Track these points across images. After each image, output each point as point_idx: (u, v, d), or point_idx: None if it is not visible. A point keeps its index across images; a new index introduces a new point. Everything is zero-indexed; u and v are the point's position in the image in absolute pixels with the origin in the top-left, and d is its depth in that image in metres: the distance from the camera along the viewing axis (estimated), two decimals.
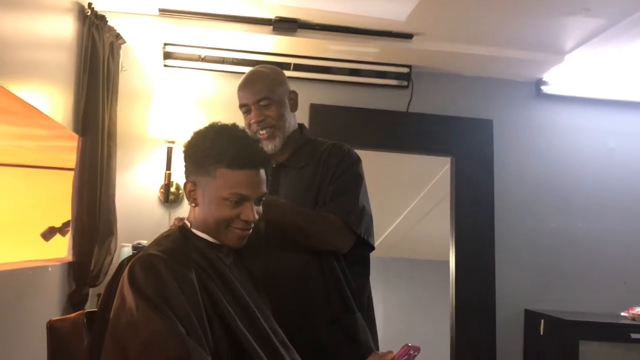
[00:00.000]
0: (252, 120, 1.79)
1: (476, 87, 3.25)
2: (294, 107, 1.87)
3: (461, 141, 3.18)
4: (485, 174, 3.17)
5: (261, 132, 1.79)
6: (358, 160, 1.84)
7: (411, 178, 3.76)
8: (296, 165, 1.82)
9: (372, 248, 1.79)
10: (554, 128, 3.28)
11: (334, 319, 1.71)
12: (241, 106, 1.83)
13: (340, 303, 1.72)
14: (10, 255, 2.74)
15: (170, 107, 2.83)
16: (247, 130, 1.78)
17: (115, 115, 2.69)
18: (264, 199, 1.40)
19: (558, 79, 3.20)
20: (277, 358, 1.29)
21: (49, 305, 2.31)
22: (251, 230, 1.39)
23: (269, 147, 1.79)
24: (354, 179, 1.80)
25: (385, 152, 3.17)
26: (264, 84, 1.80)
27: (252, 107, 1.79)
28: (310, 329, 1.65)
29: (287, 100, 1.84)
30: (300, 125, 1.92)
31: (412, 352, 1.06)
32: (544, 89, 3.25)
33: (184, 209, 2.88)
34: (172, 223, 1.56)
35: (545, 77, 3.20)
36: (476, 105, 3.23)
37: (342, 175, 1.77)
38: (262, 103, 1.78)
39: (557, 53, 2.88)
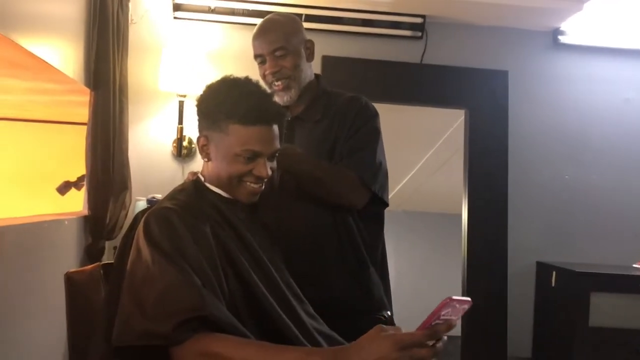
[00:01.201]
0: (267, 71, 1.75)
1: (492, 38, 3.18)
2: (310, 57, 1.82)
3: (476, 93, 3.14)
4: (500, 126, 3.13)
5: (276, 83, 1.75)
6: (376, 114, 1.80)
7: (424, 131, 3.73)
8: (312, 119, 1.79)
9: (386, 205, 1.77)
10: (570, 79, 3.22)
11: (348, 272, 1.71)
12: (256, 56, 1.78)
13: (354, 257, 1.72)
14: (27, 209, 2.77)
15: (181, 61, 2.81)
16: (262, 81, 1.75)
17: (126, 69, 2.68)
18: (280, 148, 1.39)
19: (576, 28, 3.12)
20: (291, 310, 1.30)
21: (67, 258, 2.35)
22: (264, 185, 1.39)
23: (284, 98, 1.77)
24: (372, 133, 1.76)
25: (398, 105, 3.14)
26: (280, 33, 1.74)
27: (267, 58, 1.74)
28: (323, 283, 1.65)
29: (303, 50, 1.78)
30: (317, 76, 1.87)
31: (457, 304, 0.97)
32: (562, 38, 3.18)
33: (197, 163, 2.89)
34: (186, 177, 1.56)
35: (563, 26, 3.13)
36: (491, 56, 3.17)
37: (359, 130, 1.74)
38: (277, 53, 1.73)
39: (576, 1, 2.80)
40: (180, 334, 1.07)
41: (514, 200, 3.12)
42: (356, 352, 1.01)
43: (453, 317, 0.99)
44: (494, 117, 3.14)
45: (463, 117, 3.21)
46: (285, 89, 1.75)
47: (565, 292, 2.82)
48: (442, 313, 0.96)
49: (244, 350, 1.08)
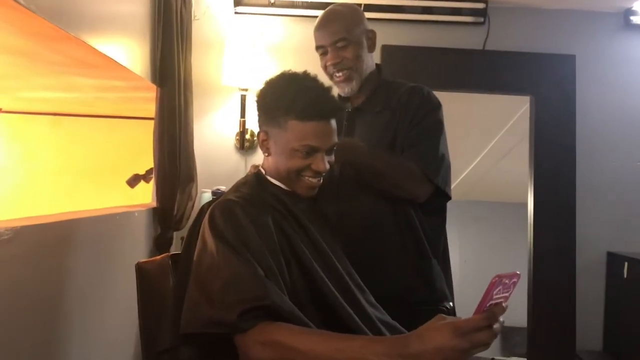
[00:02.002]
0: (329, 62, 1.75)
1: (557, 21, 3.07)
2: (371, 47, 1.81)
3: (541, 79, 3.04)
4: (567, 113, 3.03)
5: (337, 75, 1.75)
6: (438, 105, 1.77)
7: (488, 118, 3.65)
8: (372, 110, 1.78)
9: (449, 198, 1.74)
10: None
11: (409, 264, 1.70)
12: (317, 47, 1.78)
13: (415, 249, 1.71)
14: (99, 202, 2.89)
15: (242, 55, 2.85)
16: (323, 72, 1.76)
17: (190, 65, 2.74)
18: (340, 142, 1.40)
19: None
20: (353, 299, 1.32)
21: (137, 248, 2.44)
22: (322, 179, 1.40)
23: (345, 89, 1.77)
24: (435, 125, 1.74)
25: (461, 93, 3.08)
26: (342, 24, 1.73)
27: (329, 49, 1.75)
28: (384, 274, 1.65)
29: (364, 40, 1.77)
30: (378, 66, 1.86)
31: (506, 280, 0.96)
32: (634, 19, 3.03)
33: (259, 156, 2.93)
34: (248, 170, 1.59)
35: (635, 6, 2.98)
36: (557, 40, 3.07)
37: (421, 121, 1.72)
38: (339, 44, 1.73)
39: None
40: (244, 322, 1.11)
41: (583, 189, 3.01)
42: (417, 340, 1.01)
43: (505, 294, 0.99)
44: (561, 103, 3.03)
45: (528, 104, 3.12)
46: (347, 80, 1.76)
47: (638, 283, 2.71)
48: (494, 292, 0.96)
49: (306, 339, 1.10)
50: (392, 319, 1.40)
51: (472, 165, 4.08)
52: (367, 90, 1.80)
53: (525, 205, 3.09)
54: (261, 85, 1.39)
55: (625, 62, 3.08)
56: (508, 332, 4.87)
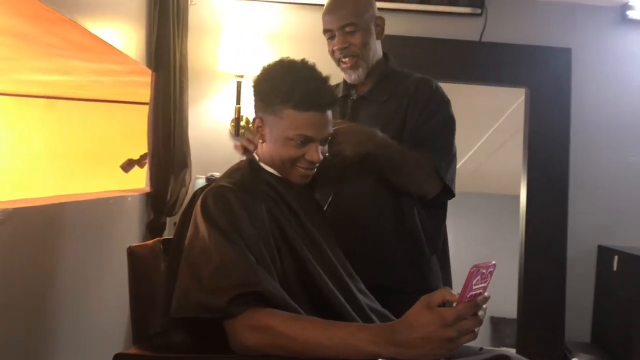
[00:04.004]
0: (336, 47, 1.72)
1: (555, 14, 3.07)
2: (379, 35, 1.78)
3: (537, 71, 3.04)
4: (562, 106, 3.04)
5: (344, 60, 1.73)
6: (449, 100, 1.75)
7: (483, 111, 3.66)
8: (378, 99, 1.76)
9: (453, 195, 1.73)
10: (638, 57, 3.08)
11: (406, 259, 1.70)
12: (325, 31, 1.75)
13: (414, 244, 1.71)
14: (93, 186, 2.89)
15: (239, 41, 2.84)
16: (330, 56, 1.75)
17: (186, 50, 2.73)
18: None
19: None
20: (343, 287, 1.33)
21: (130, 233, 2.45)
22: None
23: (352, 77, 1.75)
24: (449, 122, 1.73)
25: (456, 84, 3.08)
26: (351, 9, 1.70)
27: (337, 33, 1.71)
28: (380, 267, 1.65)
29: (373, 27, 1.74)
30: (385, 55, 1.83)
31: (484, 270, 0.99)
32: (630, 14, 3.03)
33: None
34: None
35: (632, 1, 2.98)
36: (554, 33, 3.07)
37: (434, 115, 1.70)
38: (347, 29, 1.70)
39: None
40: (234, 307, 1.12)
41: (575, 183, 3.03)
42: (405, 328, 1.02)
43: (483, 285, 1.01)
44: (556, 97, 3.04)
45: (523, 96, 3.13)
46: (353, 67, 1.73)
47: (627, 276, 2.73)
48: (474, 282, 0.99)
49: (295, 324, 1.11)
50: (383, 307, 1.41)
51: (466, 157, 4.09)
52: (374, 79, 1.78)
53: (519, 197, 3.10)
54: (258, 71, 1.39)
55: (621, 57, 3.08)
56: (498, 323, 4.93)
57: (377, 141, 1.58)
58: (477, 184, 4.36)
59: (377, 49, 1.78)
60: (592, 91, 3.07)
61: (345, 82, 1.83)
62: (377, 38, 1.78)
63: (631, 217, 3.04)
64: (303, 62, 1.37)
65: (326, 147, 1.41)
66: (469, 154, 4.12)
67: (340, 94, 1.81)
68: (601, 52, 3.08)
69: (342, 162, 1.59)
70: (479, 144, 4.09)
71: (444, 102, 1.74)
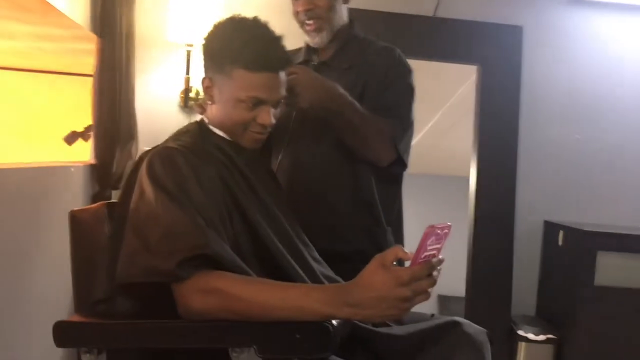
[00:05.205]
0: (300, 9, 1.68)
1: None
2: None
3: (488, 48, 3.06)
4: (512, 83, 3.07)
5: (308, 22, 1.68)
6: (411, 70, 1.73)
7: (435, 90, 3.66)
8: (340, 66, 1.72)
9: (405, 167, 1.72)
10: (589, 36, 3.13)
11: (360, 228, 1.68)
12: None
13: (368, 213, 1.69)
14: (36, 158, 2.76)
15: (189, 9, 2.74)
16: (295, 17, 1.70)
17: (133, 17, 2.62)
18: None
19: None
20: (296, 252, 1.30)
21: (73, 205, 2.32)
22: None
23: (315, 40, 1.71)
24: (409, 91, 1.71)
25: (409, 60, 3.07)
26: None
27: None
28: (334, 233, 1.63)
29: None
30: (351, 21, 1.79)
31: (439, 230, 0.98)
32: None
33: None
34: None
35: None
36: (506, 10, 3.08)
37: (394, 84, 1.68)
38: None
39: None
40: (182, 271, 1.07)
41: (524, 160, 3.08)
42: (359, 288, 1.00)
43: (438, 246, 1.00)
44: (507, 74, 3.07)
45: (474, 75, 3.15)
46: (317, 30, 1.69)
47: (572, 251, 2.80)
48: (428, 243, 0.97)
49: (246, 286, 1.08)
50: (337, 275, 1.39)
51: (417, 138, 4.10)
52: (337, 44, 1.74)
53: (469, 179, 3.13)
54: (209, 29, 1.34)
55: (571, 37, 3.13)
56: (446, 301, 5.00)
57: (337, 98, 1.55)
58: (427, 166, 4.38)
59: (343, 13, 1.74)
60: (542, 69, 3.11)
61: (307, 46, 1.79)
62: (344, 2, 1.74)
63: (577, 193, 3.12)
64: (255, 20, 1.33)
65: (279, 110, 1.37)
66: (419, 135, 4.12)
67: (301, 59, 1.78)
68: (551, 31, 3.12)
69: (297, 115, 1.54)
70: (430, 124, 4.11)
71: (407, 72, 1.73)
